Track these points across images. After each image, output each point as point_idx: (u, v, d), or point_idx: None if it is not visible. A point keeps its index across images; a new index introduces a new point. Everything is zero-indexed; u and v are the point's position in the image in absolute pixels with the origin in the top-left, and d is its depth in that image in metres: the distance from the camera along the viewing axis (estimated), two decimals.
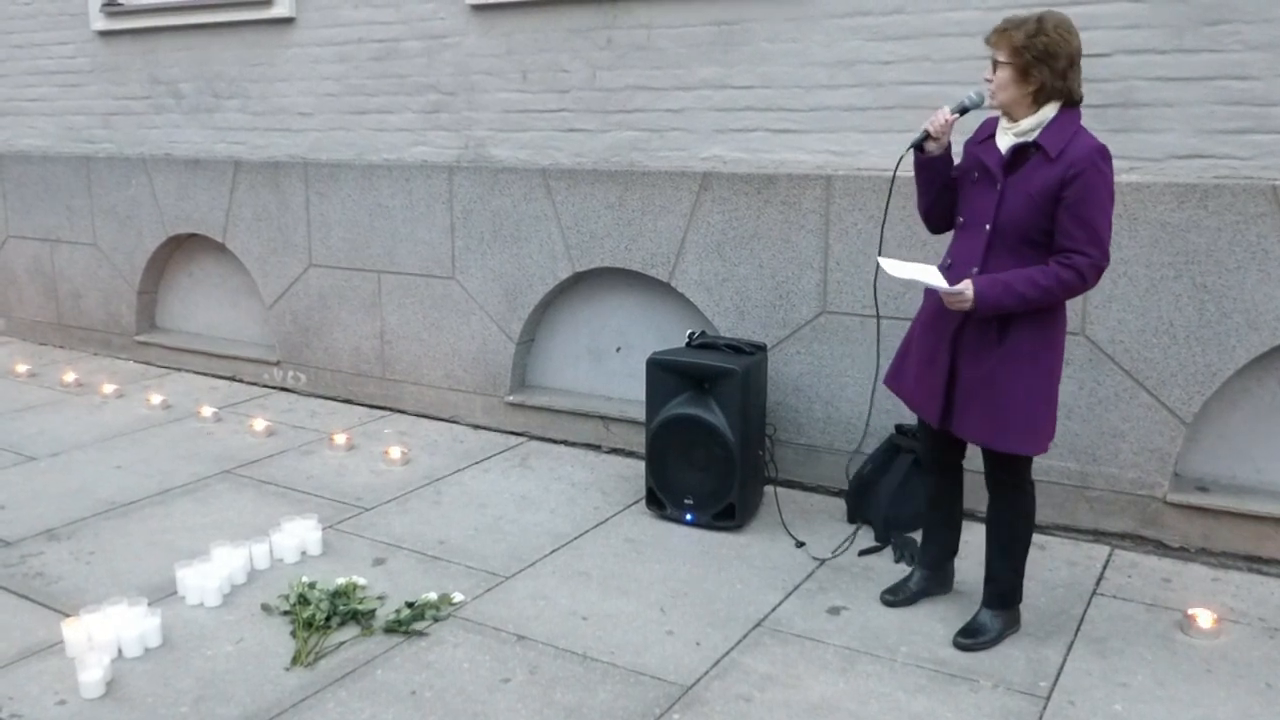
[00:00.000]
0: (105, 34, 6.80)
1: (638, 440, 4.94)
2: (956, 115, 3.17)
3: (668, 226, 4.92)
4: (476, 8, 5.30)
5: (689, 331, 4.61)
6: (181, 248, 6.98)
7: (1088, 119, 4.04)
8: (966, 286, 3.02)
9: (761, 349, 4.47)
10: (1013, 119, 3.06)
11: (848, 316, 4.54)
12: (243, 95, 6.29)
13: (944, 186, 3.26)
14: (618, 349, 5.40)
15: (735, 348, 4.40)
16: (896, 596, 3.61)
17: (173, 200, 6.71)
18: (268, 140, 6.25)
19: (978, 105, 3.20)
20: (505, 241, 5.43)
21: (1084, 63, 3.88)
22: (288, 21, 5.97)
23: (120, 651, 3.32)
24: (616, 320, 5.38)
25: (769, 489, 4.53)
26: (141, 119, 6.79)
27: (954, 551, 3.65)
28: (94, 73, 6.95)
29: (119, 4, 6.67)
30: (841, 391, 4.60)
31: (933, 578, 3.64)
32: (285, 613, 3.59)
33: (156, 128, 6.74)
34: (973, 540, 3.72)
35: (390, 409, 5.98)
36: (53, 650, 3.36)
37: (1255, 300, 3.79)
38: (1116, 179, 3.96)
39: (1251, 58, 3.72)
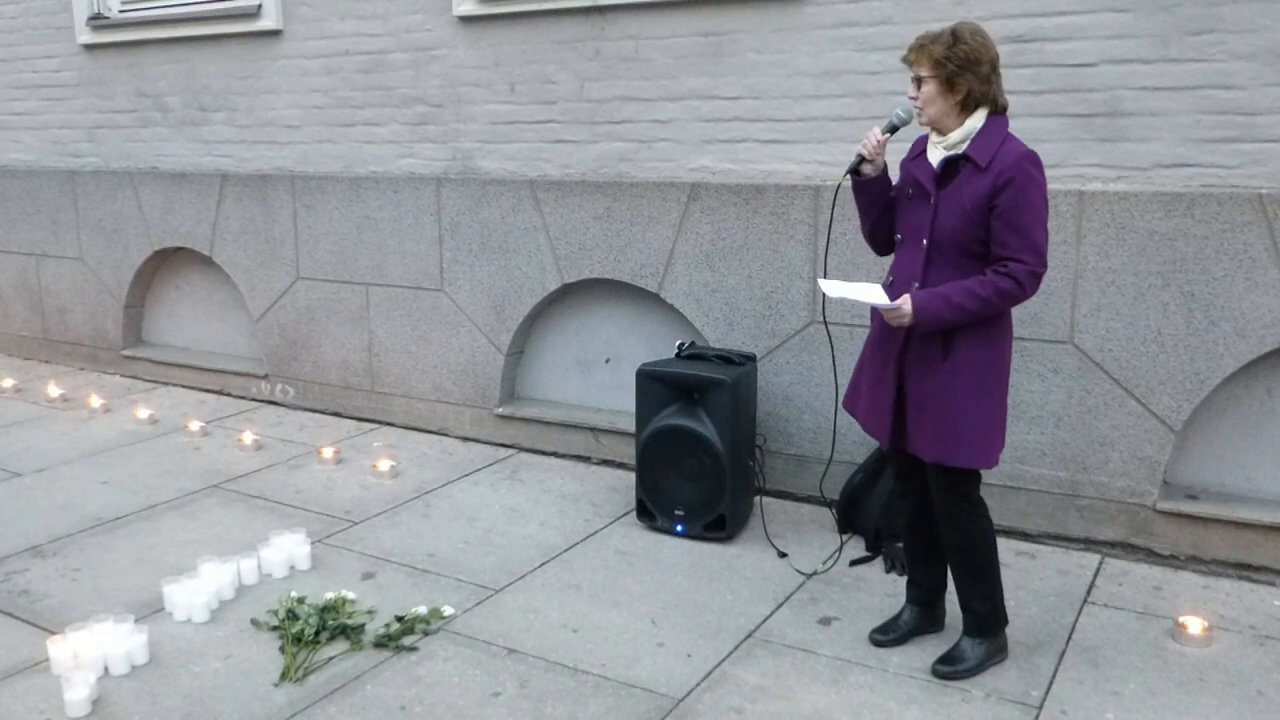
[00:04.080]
0: (91, 47, 6.77)
1: (628, 451, 4.93)
2: (888, 135, 3.17)
3: (656, 237, 4.92)
4: (464, 19, 5.31)
5: (678, 342, 4.60)
6: (168, 261, 6.95)
7: (1075, 128, 4.08)
8: (905, 301, 3.01)
9: (751, 359, 4.47)
10: (941, 132, 3.05)
11: (837, 326, 4.53)
12: (229, 108, 6.27)
13: (885, 207, 3.25)
14: (607, 360, 5.40)
15: (725, 358, 4.39)
16: (886, 636, 3.45)
17: (159, 214, 6.69)
18: (255, 153, 6.23)
19: (906, 122, 3.18)
20: (494, 253, 5.42)
21: (1070, 73, 3.94)
22: (275, 34, 5.96)
23: (107, 669, 3.29)
24: (605, 331, 5.38)
25: (759, 499, 4.52)
26: (128, 132, 6.77)
27: (944, 585, 3.48)
28: (80, 86, 6.92)
29: (105, 17, 6.65)
30: (831, 401, 4.59)
31: (924, 614, 3.49)
32: (274, 628, 3.56)
33: (143, 141, 6.71)
34: None
35: (379, 422, 5.96)
36: (38, 668, 3.33)
37: (1242, 308, 3.80)
38: (1104, 188, 3.99)
39: (1237, 67, 3.74)
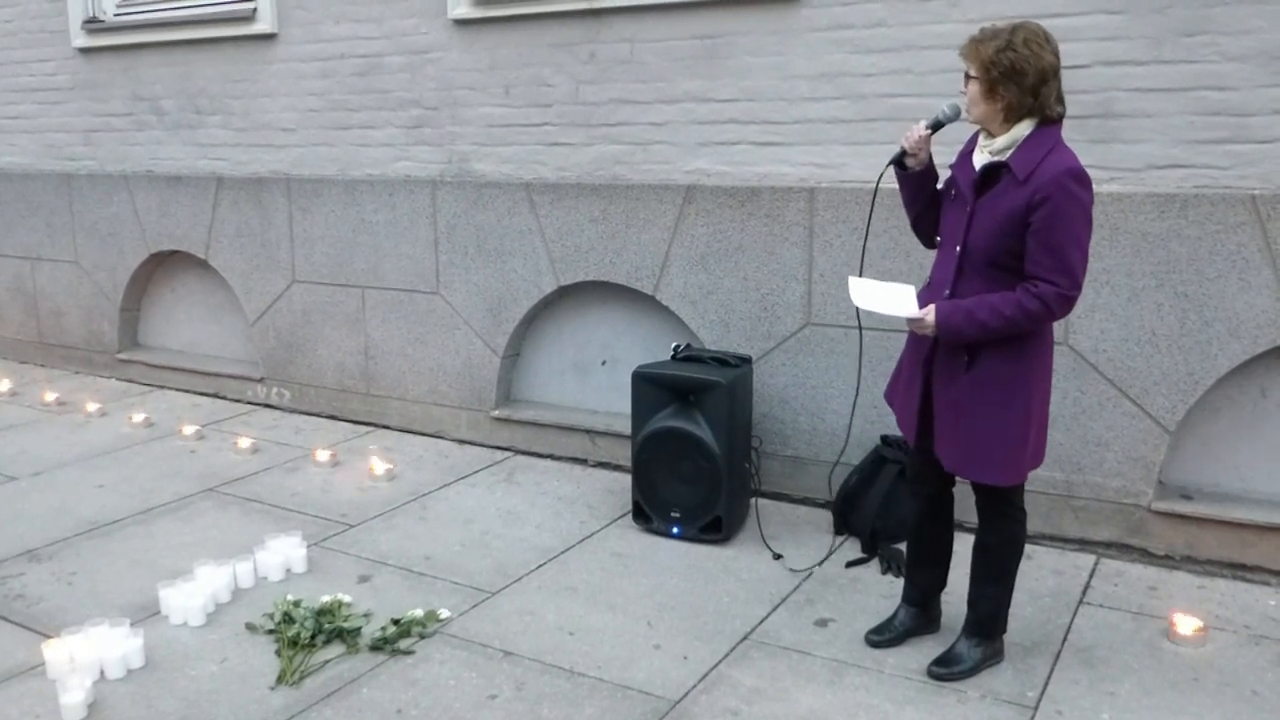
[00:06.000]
0: (86, 51, 6.77)
1: (624, 454, 4.93)
2: (930, 131, 3.11)
3: (652, 239, 4.93)
4: (459, 22, 5.31)
5: (674, 344, 4.61)
6: (164, 265, 6.94)
7: (1068, 131, 4.07)
8: (929, 312, 2.95)
9: (746, 361, 4.48)
10: (989, 135, 2.98)
11: (832, 328, 4.55)
12: (225, 111, 6.27)
13: (928, 203, 3.18)
14: (603, 362, 5.40)
15: (720, 360, 4.40)
16: (882, 636, 3.45)
17: (155, 217, 6.69)
18: (250, 156, 6.23)
19: (952, 119, 3.12)
20: (489, 256, 5.42)
21: (1064, 74, 3.92)
22: (270, 37, 5.96)
23: (102, 673, 3.28)
24: (601, 334, 5.38)
25: (755, 501, 4.52)
26: (123, 136, 6.77)
27: (941, 587, 3.50)
28: (75, 89, 6.92)
29: (100, 21, 6.65)
30: (827, 403, 4.60)
31: (920, 615, 3.49)
32: (270, 631, 3.56)
33: (138, 144, 6.71)
34: (962, 550, 3.71)
35: (375, 425, 5.96)
36: (33, 672, 3.32)
37: (1236, 309, 3.82)
38: (1097, 189, 3.98)
39: (1229, 68, 3.75)
